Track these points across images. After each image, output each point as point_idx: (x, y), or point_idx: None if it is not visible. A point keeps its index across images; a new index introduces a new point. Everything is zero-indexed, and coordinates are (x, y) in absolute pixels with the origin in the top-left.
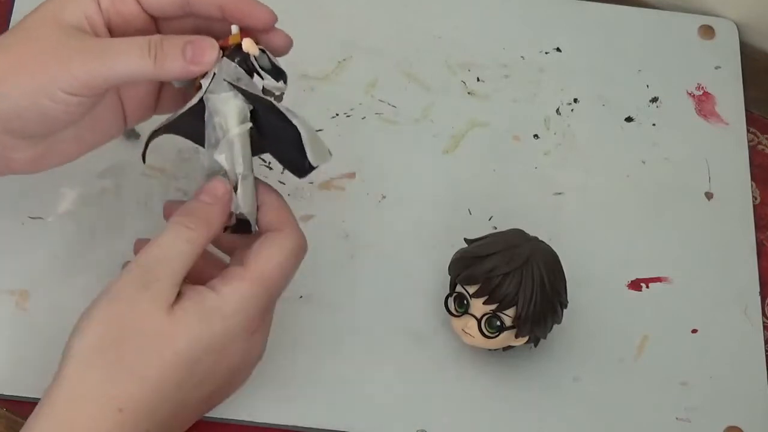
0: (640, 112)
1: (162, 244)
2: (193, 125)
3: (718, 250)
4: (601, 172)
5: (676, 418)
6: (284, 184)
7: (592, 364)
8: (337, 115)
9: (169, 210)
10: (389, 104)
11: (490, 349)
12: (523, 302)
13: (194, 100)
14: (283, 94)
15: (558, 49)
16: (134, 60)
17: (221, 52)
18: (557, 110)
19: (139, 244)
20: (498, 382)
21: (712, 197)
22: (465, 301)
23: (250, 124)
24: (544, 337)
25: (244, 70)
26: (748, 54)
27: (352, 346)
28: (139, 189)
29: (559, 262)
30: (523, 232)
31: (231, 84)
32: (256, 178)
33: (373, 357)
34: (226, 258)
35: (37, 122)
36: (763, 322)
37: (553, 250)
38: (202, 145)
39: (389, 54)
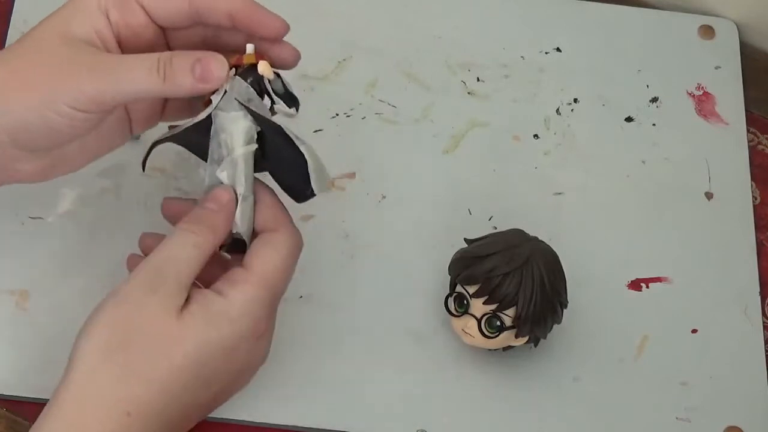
0: (640, 112)
1: (170, 248)
2: (196, 138)
3: (718, 250)
4: (601, 172)
5: (676, 418)
6: None
7: (592, 364)
8: (337, 115)
9: (168, 208)
10: (389, 104)
11: (490, 349)
12: (523, 302)
13: (203, 115)
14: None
15: (558, 49)
16: (143, 78)
17: (234, 69)
18: (557, 110)
19: (145, 238)
20: (498, 382)
21: (712, 197)
22: (465, 301)
23: (255, 146)
24: (544, 337)
25: (255, 91)
26: (748, 54)
27: (352, 346)
28: (139, 189)
29: (559, 262)
30: (523, 232)
31: (241, 104)
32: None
33: (373, 357)
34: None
35: (43, 136)
36: (763, 322)
37: (553, 250)
38: (202, 157)
39: (389, 54)
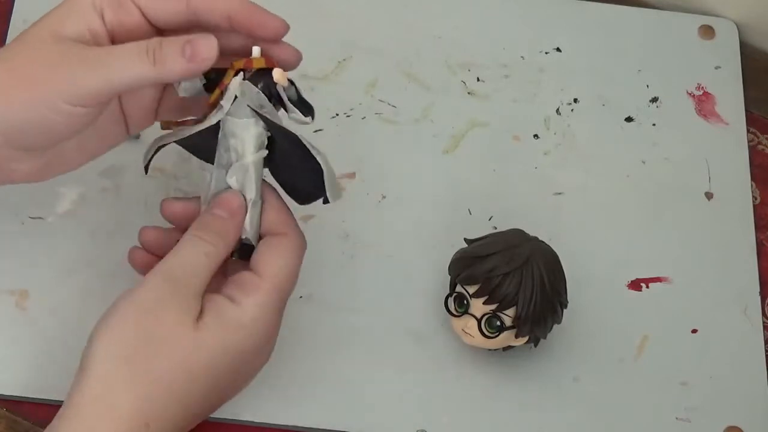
0: (640, 112)
1: (184, 257)
2: (200, 141)
3: (718, 250)
4: (601, 172)
5: (676, 418)
6: None
7: (592, 364)
8: (337, 115)
9: (168, 209)
10: (389, 104)
11: (490, 349)
12: (523, 302)
13: (213, 120)
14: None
15: (558, 49)
16: (134, 64)
17: (242, 73)
18: (557, 110)
19: (145, 232)
20: (498, 382)
21: (712, 197)
22: (465, 301)
23: (266, 152)
24: (544, 337)
25: (266, 95)
26: (748, 54)
27: (352, 346)
28: (139, 189)
29: (559, 262)
30: (523, 232)
31: (254, 110)
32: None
33: (373, 357)
34: None
35: (39, 134)
36: (763, 322)
37: (553, 250)
38: (205, 159)
39: (389, 54)
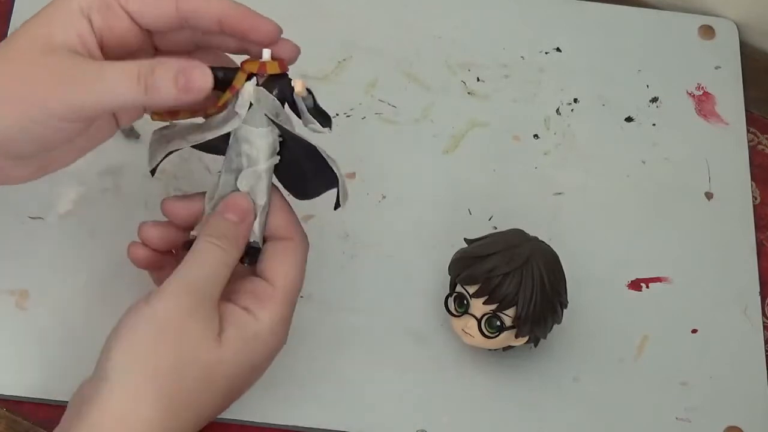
0: (640, 112)
1: (204, 267)
2: (210, 140)
3: (718, 250)
4: (601, 172)
5: (676, 418)
6: None
7: (592, 364)
8: (337, 115)
9: (170, 208)
10: (389, 104)
11: (490, 349)
12: (523, 302)
13: (226, 129)
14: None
15: (558, 49)
16: (125, 90)
17: (255, 78)
18: (557, 110)
19: (145, 228)
20: (498, 382)
21: (712, 197)
22: (465, 301)
23: (278, 158)
24: (544, 337)
25: (279, 101)
26: (748, 54)
27: (352, 346)
28: (139, 189)
29: (559, 262)
30: (523, 232)
31: (270, 119)
32: None
33: (373, 357)
34: None
35: (31, 145)
36: (763, 322)
37: (553, 250)
38: (206, 151)
39: (389, 54)
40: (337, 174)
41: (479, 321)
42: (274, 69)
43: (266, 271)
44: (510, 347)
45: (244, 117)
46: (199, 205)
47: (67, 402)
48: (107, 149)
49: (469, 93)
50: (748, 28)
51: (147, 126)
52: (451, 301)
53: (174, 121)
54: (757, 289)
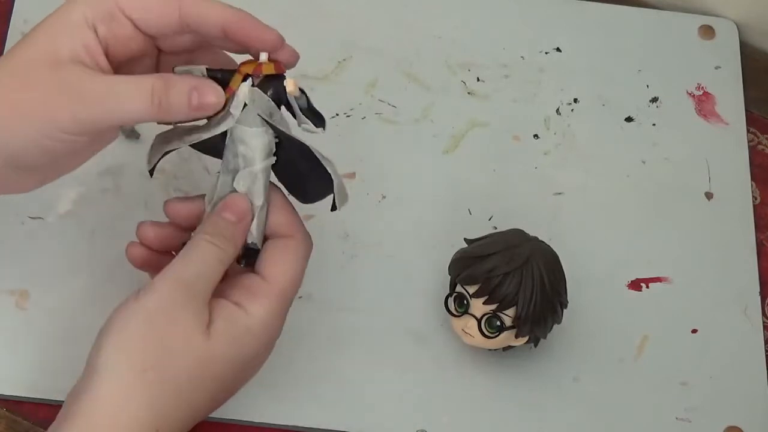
0: (640, 112)
1: (196, 263)
2: (208, 140)
3: (718, 250)
4: (601, 172)
5: (676, 418)
6: None
7: (592, 364)
8: (337, 115)
9: (172, 209)
10: (389, 104)
11: (490, 349)
12: (523, 302)
13: (221, 129)
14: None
15: (558, 49)
16: (137, 106)
17: (250, 79)
18: (557, 110)
19: (144, 228)
20: (498, 382)
21: (712, 197)
22: (465, 301)
23: (274, 159)
24: (544, 337)
25: (275, 102)
26: (748, 54)
27: (352, 346)
28: (139, 189)
29: (559, 262)
30: (523, 232)
31: (264, 120)
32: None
33: (373, 357)
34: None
35: (42, 157)
36: (763, 322)
37: (553, 250)
38: (207, 154)
39: (389, 54)
40: (332, 174)
41: (479, 321)
42: (269, 70)
43: (263, 267)
44: (510, 347)
45: (238, 117)
46: (201, 207)
47: None
48: (107, 149)
49: (469, 93)
50: (748, 28)
51: (147, 126)
52: (451, 301)
53: (177, 124)
54: (757, 289)
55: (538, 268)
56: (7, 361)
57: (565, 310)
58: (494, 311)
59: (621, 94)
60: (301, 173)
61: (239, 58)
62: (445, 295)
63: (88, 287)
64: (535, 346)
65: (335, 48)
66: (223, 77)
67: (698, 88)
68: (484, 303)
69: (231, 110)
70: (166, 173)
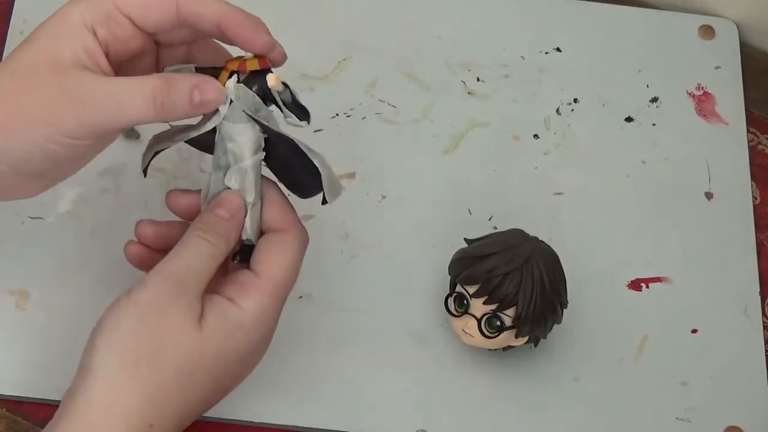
0: (640, 112)
1: (188, 259)
2: (200, 136)
3: (718, 250)
4: (601, 172)
5: (676, 418)
6: None
7: (592, 364)
8: (337, 115)
9: (175, 201)
10: (389, 104)
11: (490, 349)
12: (523, 302)
13: (208, 126)
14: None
15: (558, 49)
16: (138, 108)
17: (236, 76)
18: (557, 110)
19: (143, 227)
20: (498, 382)
21: (712, 197)
22: (465, 301)
23: (263, 154)
24: (544, 337)
25: (260, 98)
26: (748, 54)
27: (352, 346)
28: (139, 189)
29: (559, 262)
30: (523, 232)
31: (249, 115)
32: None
33: (373, 357)
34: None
35: (46, 162)
36: (763, 322)
37: (553, 250)
38: (204, 150)
39: (389, 54)
40: (319, 167)
41: (479, 321)
42: (254, 66)
43: (257, 263)
44: (510, 347)
45: (225, 114)
46: (200, 201)
47: None
48: (107, 149)
49: (469, 93)
50: (748, 28)
51: (147, 126)
52: (451, 301)
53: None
54: (757, 289)
55: (538, 268)
56: (7, 361)
57: (565, 310)
58: (494, 311)
59: (621, 94)
60: (294, 168)
61: (236, 51)
62: (445, 295)
63: (88, 287)
64: (535, 346)
65: (335, 48)
66: (213, 75)
67: (698, 88)
68: (484, 303)
69: (218, 107)
70: (166, 173)
